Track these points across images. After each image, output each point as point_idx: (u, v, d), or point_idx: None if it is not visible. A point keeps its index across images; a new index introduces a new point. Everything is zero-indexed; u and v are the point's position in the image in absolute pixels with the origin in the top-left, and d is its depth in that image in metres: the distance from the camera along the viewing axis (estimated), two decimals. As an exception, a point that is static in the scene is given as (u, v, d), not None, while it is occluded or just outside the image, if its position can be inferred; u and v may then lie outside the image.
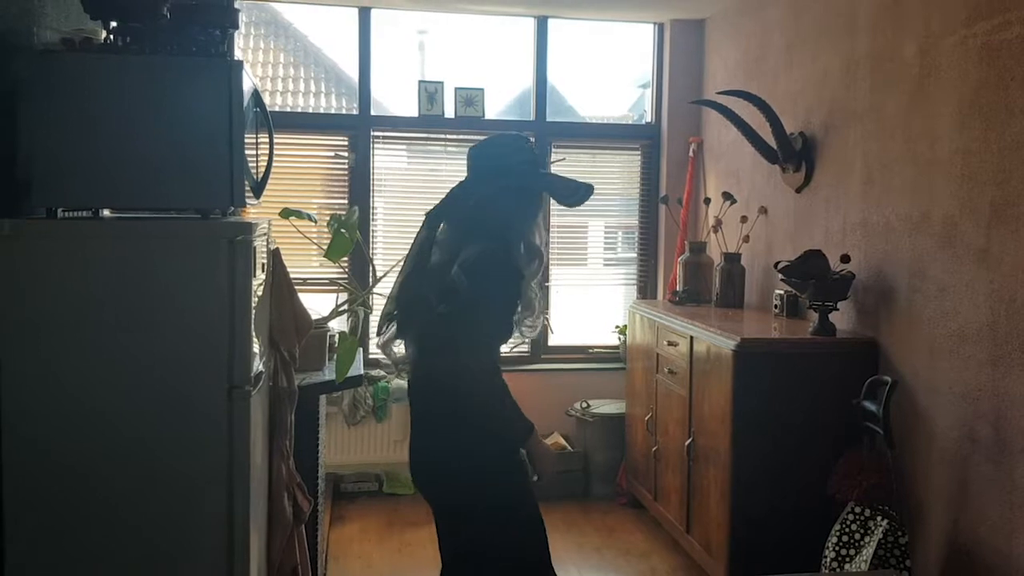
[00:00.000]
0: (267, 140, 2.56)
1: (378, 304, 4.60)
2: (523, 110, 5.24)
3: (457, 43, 5.34)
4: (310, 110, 5.30)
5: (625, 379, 4.81)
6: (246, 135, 2.39)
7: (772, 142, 4.06)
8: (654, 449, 4.27)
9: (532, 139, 5.06)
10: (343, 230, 2.67)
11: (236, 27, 2.24)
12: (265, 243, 2.47)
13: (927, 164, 3.13)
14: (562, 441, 4.89)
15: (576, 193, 2.33)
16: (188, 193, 2.11)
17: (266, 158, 2.60)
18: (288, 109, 5.23)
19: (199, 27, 2.19)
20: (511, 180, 2.27)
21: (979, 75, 2.88)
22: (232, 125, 2.08)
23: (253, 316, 2.18)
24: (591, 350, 5.23)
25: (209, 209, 2.13)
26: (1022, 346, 2.69)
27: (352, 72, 5.07)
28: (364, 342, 4.80)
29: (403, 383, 4.77)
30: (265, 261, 2.39)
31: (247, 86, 2.24)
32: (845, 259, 3.41)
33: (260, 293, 2.36)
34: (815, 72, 3.94)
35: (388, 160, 5.02)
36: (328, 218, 2.73)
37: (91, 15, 2.15)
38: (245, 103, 2.17)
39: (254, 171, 2.50)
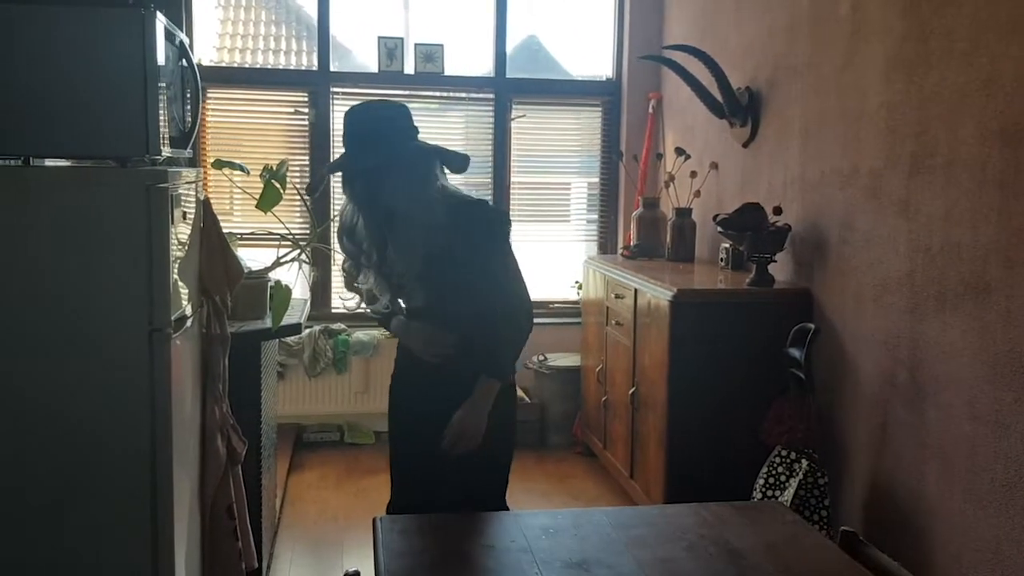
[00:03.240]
0: (194, 93, 2.62)
1: (339, 261, 4.71)
2: (513, 67, 5.24)
3: (439, 1, 5.36)
4: (291, 67, 5.31)
5: (581, 332, 4.90)
6: (174, 87, 2.46)
7: (719, 97, 4.11)
8: (604, 399, 4.38)
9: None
10: (274, 181, 2.74)
11: (158, -22, 2.28)
12: (193, 192, 2.54)
13: (856, 118, 3.20)
14: (520, 392, 5.00)
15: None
16: (105, 141, 2.17)
17: (200, 110, 2.66)
18: (269, 66, 5.25)
19: (120, -22, 2.24)
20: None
21: (902, 29, 2.93)
22: (146, 74, 2.13)
23: (175, 263, 2.26)
24: (551, 305, 5.31)
25: (126, 157, 2.19)
26: (936, 294, 2.77)
27: (333, 30, 5.06)
28: (319, 294, 4.90)
29: (362, 336, 4.87)
30: (190, 210, 2.46)
31: (168, 38, 2.29)
32: (777, 211, 3.49)
33: (187, 241, 2.43)
34: (762, 29, 3.98)
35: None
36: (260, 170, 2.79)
37: (12, -34, 2.20)
38: (164, 54, 2.23)
39: (183, 122, 2.57)
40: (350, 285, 2.50)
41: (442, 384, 2.32)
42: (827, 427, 3.30)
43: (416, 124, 2.33)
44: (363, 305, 2.56)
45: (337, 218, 2.44)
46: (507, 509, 2.43)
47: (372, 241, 2.31)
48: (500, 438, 2.37)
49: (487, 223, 2.32)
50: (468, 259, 2.28)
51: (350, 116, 2.31)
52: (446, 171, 2.34)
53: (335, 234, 2.47)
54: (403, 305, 2.45)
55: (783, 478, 3.16)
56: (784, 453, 3.18)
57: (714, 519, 1.97)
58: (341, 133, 2.32)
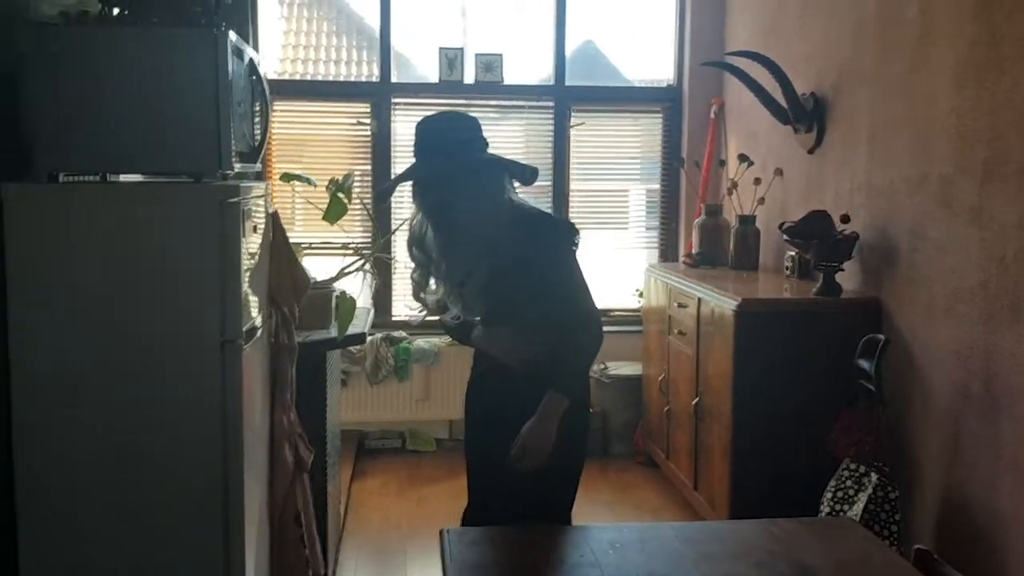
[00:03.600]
0: (263, 108, 2.67)
1: (400, 270, 4.77)
2: (572, 73, 5.24)
3: (499, 9, 5.40)
4: (352, 78, 5.40)
5: (642, 341, 4.88)
6: (245, 103, 2.51)
7: (784, 103, 4.06)
8: (666, 409, 4.35)
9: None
10: (340, 194, 2.78)
11: (229, -2, 2.34)
12: (263, 205, 2.59)
13: (925, 124, 3.13)
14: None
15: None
16: (179, 158, 2.23)
17: (268, 125, 2.71)
18: (331, 78, 5.36)
19: (192, -2, 2.30)
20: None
21: (973, 33, 2.86)
22: (219, 92, 2.18)
23: (246, 275, 2.30)
24: (611, 313, 5.28)
25: (199, 173, 2.25)
26: (1011, 304, 2.70)
27: (393, 41, 5.14)
28: (381, 302, 4.95)
29: (423, 344, 4.91)
30: (260, 223, 2.51)
31: (238, 54, 2.35)
32: (845, 219, 3.43)
33: (257, 253, 2.48)
34: (827, 34, 3.92)
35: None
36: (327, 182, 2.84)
37: (87, -13, 2.28)
38: (234, 71, 2.28)
39: (253, 137, 2.62)
40: (417, 295, 2.50)
41: (517, 394, 2.28)
42: (897, 440, 3.23)
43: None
44: (425, 315, 2.56)
45: (406, 226, 2.46)
46: (570, 523, 2.41)
47: (440, 252, 2.32)
48: (567, 452, 2.32)
49: (552, 236, 2.31)
50: (532, 272, 2.26)
51: (421, 126, 2.33)
52: (515, 184, 2.35)
53: (404, 244, 2.48)
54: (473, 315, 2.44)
55: (852, 492, 3.10)
56: (853, 466, 3.11)
57: (784, 535, 1.95)
58: (412, 143, 2.34)
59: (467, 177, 2.26)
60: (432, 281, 2.39)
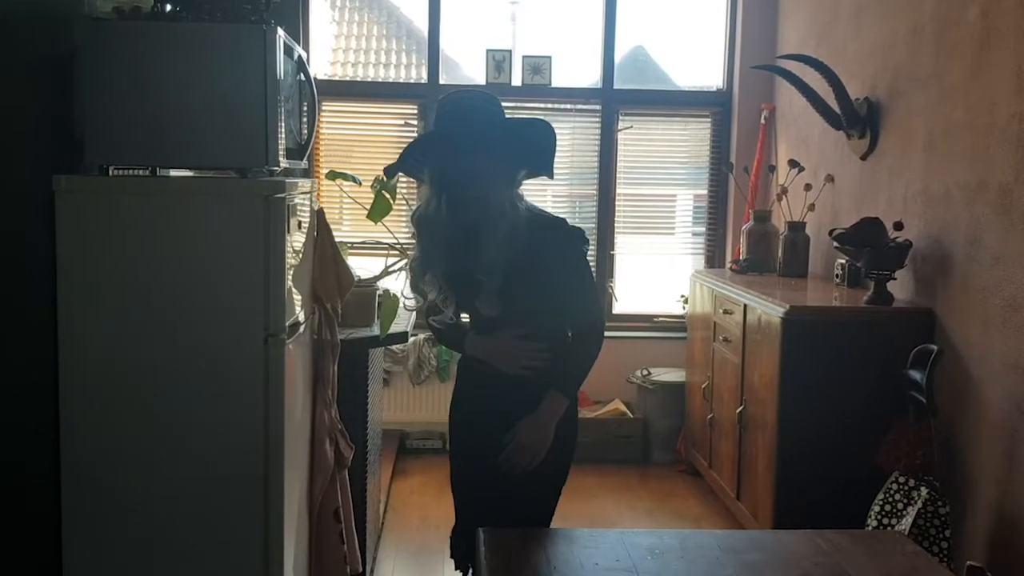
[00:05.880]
0: (310, 106, 2.68)
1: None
2: (621, 78, 5.22)
3: (548, 12, 5.40)
4: (402, 80, 5.43)
5: (686, 347, 4.82)
6: (292, 100, 2.52)
7: (836, 108, 3.99)
8: (709, 417, 4.28)
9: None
10: (384, 192, 2.78)
11: (279, -5, 2.35)
12: (308, 202, 2.60)
13: (985, 130, 3.04)
14: (622, 407, 4.95)
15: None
16: (226, 152, 2.25)
17: (315, 122, 2.72)
18: (381, 79, 5.39)
19: (243, -6, 2.32)
20: None
21: (1038, 35, 2.78)
22: (266, 89, 2.20)
23: (290, 270, 2.31)
24: (656, 319, 5.24)
25: (245, 168, 2.26)
26: (1072, 316, 2.61)
27: (441, 43, 5.15)
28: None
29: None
30: (305, 219, 2.51)
31: (287, 52, 2.36)
32: (898, 227, 3.35)
33: (301, 249, 2.49)
34: (882, 37, 3.84)
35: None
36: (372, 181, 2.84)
37: (141, -17, 2.31)
38: (283, 68, 2.29)
39: (300, 135, 2.63)
40: (416, 285, 2.33)
41: (511, 401, 2.22)
42: (948, 454, 3.14)
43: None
44: (422, 307, 2.41)
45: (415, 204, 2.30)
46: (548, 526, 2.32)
47: (454, 239, 2.17)
48: (556, 458, 2.26)
49: (570, 240, 2.23)
50: (552, 278, 2.18)
51: (447, 99, 2.23)
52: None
53: (409, 220, 2.31)
54: (466, 319, 2.33)
55: (900, 506, 3.02)
56: (902, 480, 3.03)
57: (830, 548, 1.90)
58: (437, 117, 2.23)
59: (494, 156, 2.13)
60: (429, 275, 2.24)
